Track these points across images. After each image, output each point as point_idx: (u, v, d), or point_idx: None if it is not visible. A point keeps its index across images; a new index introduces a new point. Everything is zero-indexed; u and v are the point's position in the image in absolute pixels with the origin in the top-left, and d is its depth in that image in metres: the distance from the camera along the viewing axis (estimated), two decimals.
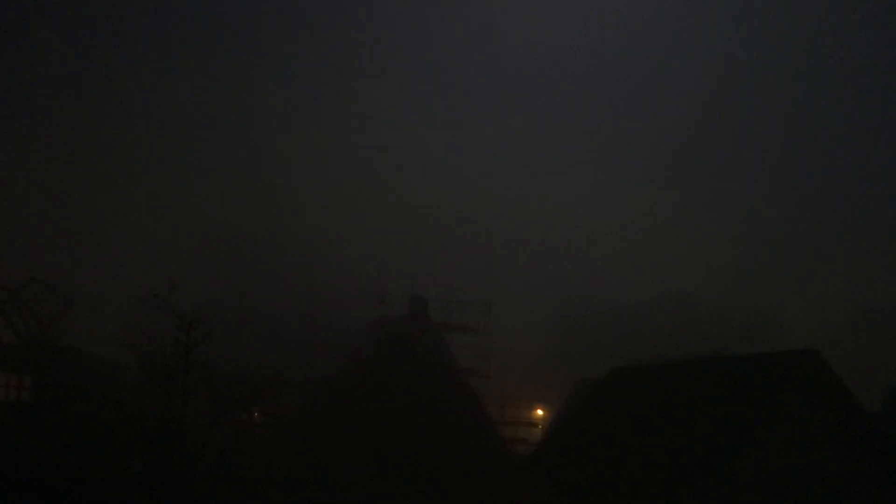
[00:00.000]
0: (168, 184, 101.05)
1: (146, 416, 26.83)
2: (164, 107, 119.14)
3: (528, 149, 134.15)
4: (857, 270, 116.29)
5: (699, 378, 24.07)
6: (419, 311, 43.08)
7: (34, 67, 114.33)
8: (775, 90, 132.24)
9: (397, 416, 37.44)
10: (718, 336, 60.83)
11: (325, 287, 60.05)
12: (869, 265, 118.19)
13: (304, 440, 37.39)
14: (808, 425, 20.93)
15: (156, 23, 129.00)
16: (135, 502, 25.67)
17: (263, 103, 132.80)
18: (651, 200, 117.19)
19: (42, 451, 28.39)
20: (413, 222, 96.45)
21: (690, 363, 26.60)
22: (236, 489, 26.85)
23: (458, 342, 44.48)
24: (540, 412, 56.15)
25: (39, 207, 78.08)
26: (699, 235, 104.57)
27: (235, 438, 37.24)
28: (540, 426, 50.40)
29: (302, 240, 70.32)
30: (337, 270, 63.84)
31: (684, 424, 22.03)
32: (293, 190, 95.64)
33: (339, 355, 44.33)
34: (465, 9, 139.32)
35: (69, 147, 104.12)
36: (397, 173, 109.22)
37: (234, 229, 71.33)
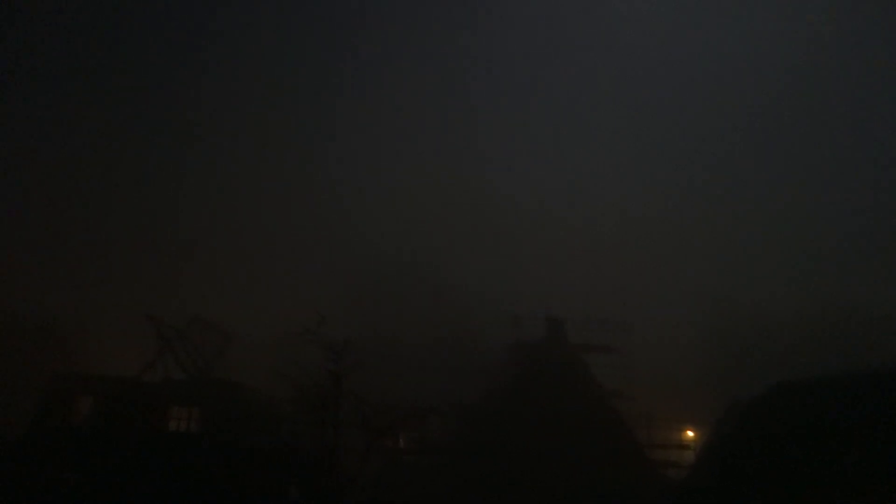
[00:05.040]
0: (309, 220, 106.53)
1: (302, 445, 28.08)
2: (298, 142, 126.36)
3: (654, 157, 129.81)
4: None
5: (881, 392, 21.96)
6: (556, 333, 42.61)
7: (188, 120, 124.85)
8: None
9: (540, 441, 36.99)
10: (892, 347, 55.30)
11: (462, 313, 60.68)
12: None
13: (451, 466, 37.71)
14: None
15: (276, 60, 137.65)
16: None
17: (385, 138, 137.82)
18: (807, 203, 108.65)
19: (209, 479, 30.20)
20: (543, 242, 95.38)
21: (866, 376, 24.30)
22: None
23: (599, 362, 43.44)
24: (691, 434, 53.49)
25: (197, 251, 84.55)
26: (862, 240, 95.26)
27: (385, 465, 38.15)
28: (692, 448, 47.95)
29: (437, 267, 71.54)
30: (473, 295, 64.39)
31: (869, 442, 20.13)
32: (423, 219, 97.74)
33: (480, 381, 44.52)
34: (580, 21, 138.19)
35: (213, 194, 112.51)
36: (530, 193, 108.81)
37: (373, 260, 73.83)
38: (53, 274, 70.15)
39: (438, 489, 35.88)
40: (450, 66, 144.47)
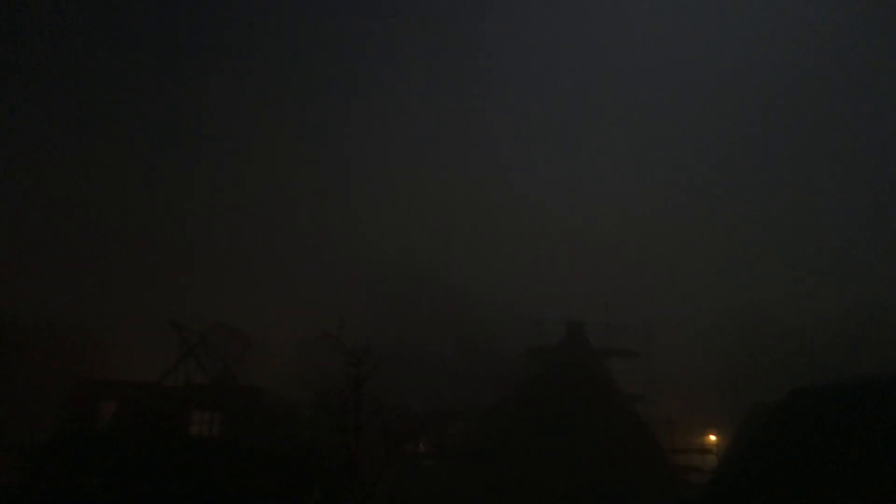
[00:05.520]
0: (326, 224, 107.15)
1: (322, 450, 28.15)
2: (318, 151, 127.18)
3: (654, 157, 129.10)
4: None
5: None
6: (577, 337, 42.30)
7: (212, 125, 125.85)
8: None
9: (561, 446, 36.77)
10: None
11: (480, 317, 60.60)
12: None
13: (471, 471, 37.60)
14: None
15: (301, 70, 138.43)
16: None
17: (390, 140, 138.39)
18: (808, 203, 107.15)
19: (230, 484, 30.37)
20: (562, 247, 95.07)
21: (889, 381, 23.88)
22: None
23: (621, 366, 43.16)
24: (713, 438, 52.99)
25: (214, 254, 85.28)
26: (865, 241, 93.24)
27: (405, 470, 38.13)
28: (714, 453, 47.49)
29: (455, 271, 71.58)
30: (491, 300, 64.30)
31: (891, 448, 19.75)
32: (441, 224, 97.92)
33: (500, 385, 44.42)
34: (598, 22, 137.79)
35: (230, 197, 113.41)
36: (541, 200, 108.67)
37: (392, 266, 73.98)
38: (63, 278, 71.01)
39: (457, 493, 35.80)
40: (451, 68, 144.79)
